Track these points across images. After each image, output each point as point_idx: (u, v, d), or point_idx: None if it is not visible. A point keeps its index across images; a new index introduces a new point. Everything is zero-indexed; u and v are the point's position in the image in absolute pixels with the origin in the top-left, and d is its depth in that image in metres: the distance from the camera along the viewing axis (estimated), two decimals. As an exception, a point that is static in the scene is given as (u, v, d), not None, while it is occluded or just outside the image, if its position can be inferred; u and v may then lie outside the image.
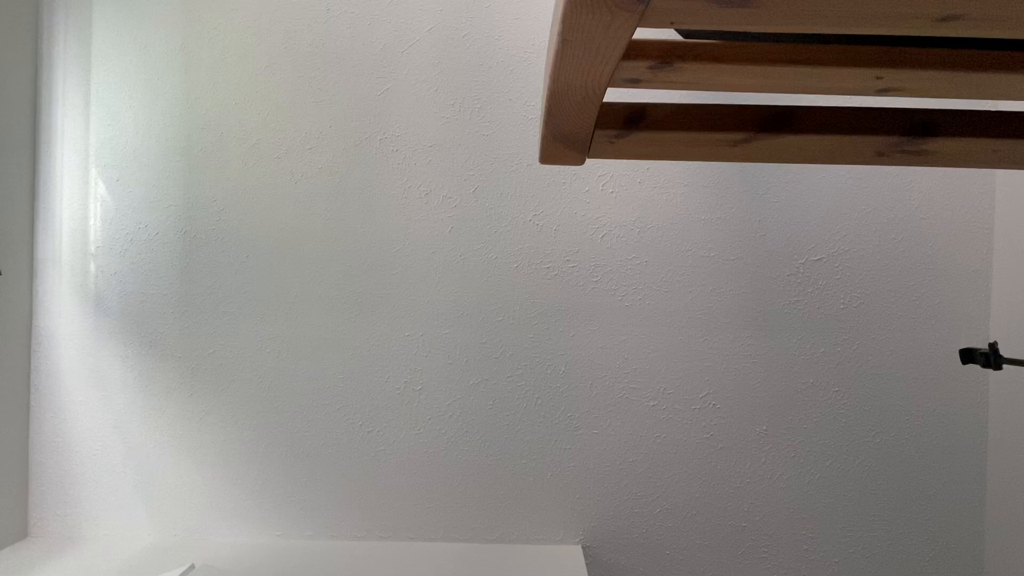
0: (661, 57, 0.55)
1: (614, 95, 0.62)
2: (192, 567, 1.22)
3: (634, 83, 0.59)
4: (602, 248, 1.40)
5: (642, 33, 0.46)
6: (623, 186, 1.40)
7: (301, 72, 1.42)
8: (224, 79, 1.42)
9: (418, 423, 1.41)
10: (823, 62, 0.55)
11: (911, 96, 0.62)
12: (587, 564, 1.35)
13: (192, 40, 1.42)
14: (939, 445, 1.38)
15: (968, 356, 1.01)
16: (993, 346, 0.97)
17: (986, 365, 0.98)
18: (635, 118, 0.68)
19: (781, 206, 1.40)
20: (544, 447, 1.40)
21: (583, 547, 1.39)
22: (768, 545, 1.39)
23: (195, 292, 1.42)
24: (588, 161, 0.77)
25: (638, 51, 0.54)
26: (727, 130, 0.68)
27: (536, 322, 1.40)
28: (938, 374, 1.38)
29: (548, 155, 0.71)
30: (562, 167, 1.40)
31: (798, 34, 0.55)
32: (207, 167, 1.42)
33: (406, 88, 1.41)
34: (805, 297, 1.39)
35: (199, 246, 1.42)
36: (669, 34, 0.56)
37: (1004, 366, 0.97)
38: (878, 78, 0.56)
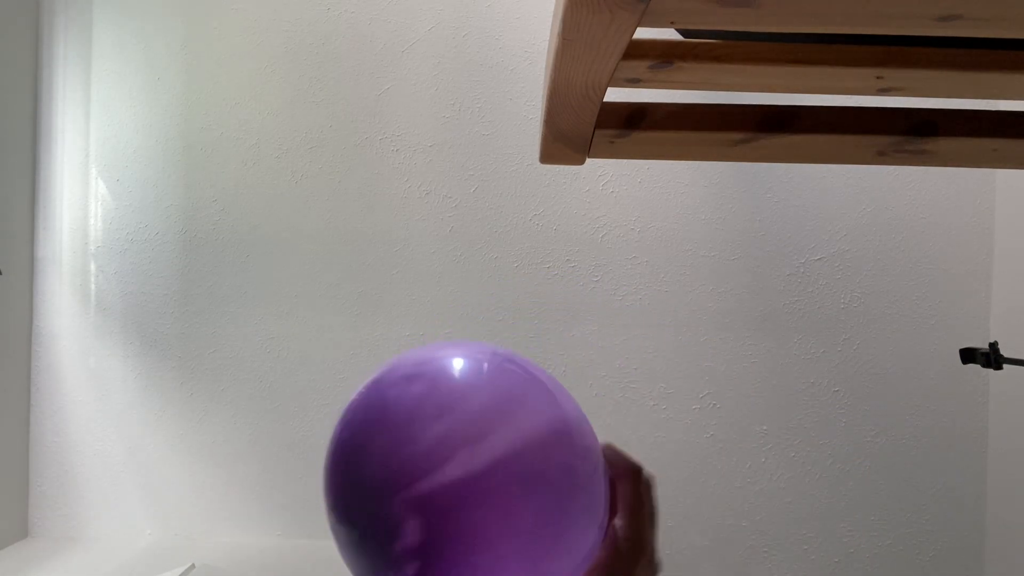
0: (661, 57, 0.55)
1: (614, 95, 0.62)
2: (192, 567, 1.22)
3: (634, 83, 0.59)
4: (602, 248, 1.40)
5: (642, 33, 0.46)
6: (623, 186, 1.40)
7: (301, 72, 1.42)
8: (224, 79, 1.42)
9: (418, 423, 1.40)
10: (823, 62, 0.55)
11: (911, 96, 0.62)
12: (587, 564, 1.35)
13: (192, 40, 1.42)
14: (939, 445, 1.38)
15: (968, 356, 1.00)
16: (993, 346, 0.97)
17: (986, 365, 0.98)
18: (635, 118, 0.68)
19: (781, 206, 1.40)
20: (544, 447, 1.40)
21: (583, 547, 1.39)
22: (768, 545, 1.39)
23: (195, 292, 1.42)
24: (588, 161, 0.77)
25: (638, 51, 0.54)
26: (727, 130, 0.68)
27: (536, 322, 1.40)
28: (938, 374, 1.38)
29: (548, 155, 0.72)
30: (562, 167, 1.40)
31: (798, 34, 0.55)
32: (207, 167, 1.42)
33: (406, 88, 1.41)
34: (805, 297, 1.39)
35: (199, 246, 1.42)
36: (669, 34, 0.56)
37: (1004, 366, 0.97)
38: (878, 78, 0.56)
